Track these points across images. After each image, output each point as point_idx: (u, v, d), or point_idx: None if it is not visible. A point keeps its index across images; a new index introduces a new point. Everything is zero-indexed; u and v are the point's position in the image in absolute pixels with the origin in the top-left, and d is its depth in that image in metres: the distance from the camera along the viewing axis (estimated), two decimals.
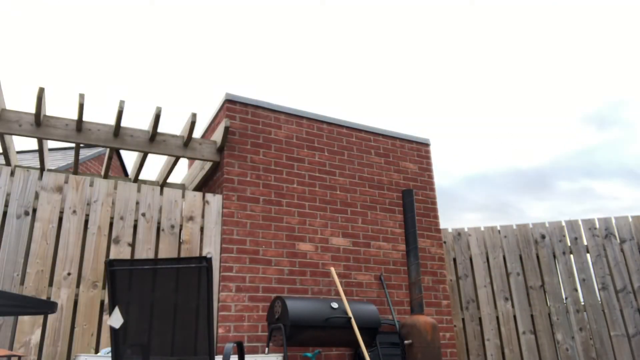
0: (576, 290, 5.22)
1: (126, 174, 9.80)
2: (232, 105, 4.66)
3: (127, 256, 3.92)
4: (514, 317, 5.26)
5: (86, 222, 3.91)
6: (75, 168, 4.83)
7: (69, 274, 3.70)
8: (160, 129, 4.38)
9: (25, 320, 3.46)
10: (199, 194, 4.35)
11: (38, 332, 3.47)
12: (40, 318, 3.52)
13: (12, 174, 3.79)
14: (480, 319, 5.34)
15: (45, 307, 2.36)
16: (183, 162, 5.99)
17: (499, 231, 5.59)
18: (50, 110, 4.19)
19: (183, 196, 4.31)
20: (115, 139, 4.22)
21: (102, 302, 3.77)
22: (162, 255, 4.02)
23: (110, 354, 3.04)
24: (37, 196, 3.79)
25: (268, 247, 4.35)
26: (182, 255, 4.09)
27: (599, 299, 5.16)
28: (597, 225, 5.41)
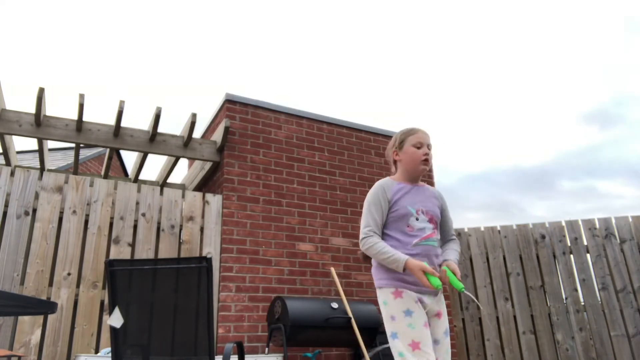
0: (576, 290, 5.22)
1: (126, 174, 9.80)
2: (232, 106, 4.65)
3: (127, 256, 3.92)
4: (514, 317, 5.26)
5: (86, 222, 3.91)
6: (75, 168, 4.83)
7: (69, 274, 3.70)
8: (160, 129, 4.38)
9: (25, 320, 3.46)
10: (199, 194, 4.35)
11: (38, 332, 3.47)
12: (40, 318, 3.51)
13: (12, 174, 3.79)
14: (480, 319, 5.34)
15: (45, 307, 2.36)
16: (183, 162, 5.99)
17: (499, 231, 5.59)
18: (50, 110, 4.19)
19: (183, 196, 4.31)
20: (115, 139, 4.21)
21: (102, 302, 3.77)
22: (162, 255, 4.02)
23: (110, 354, 3.04)
24: (37, 196, 3.79)
25: (268, 247, 4.34)
26: (182, 255, 4.09)
27: (599, 299, 5.15)
28: (597, 225, 5.40)
